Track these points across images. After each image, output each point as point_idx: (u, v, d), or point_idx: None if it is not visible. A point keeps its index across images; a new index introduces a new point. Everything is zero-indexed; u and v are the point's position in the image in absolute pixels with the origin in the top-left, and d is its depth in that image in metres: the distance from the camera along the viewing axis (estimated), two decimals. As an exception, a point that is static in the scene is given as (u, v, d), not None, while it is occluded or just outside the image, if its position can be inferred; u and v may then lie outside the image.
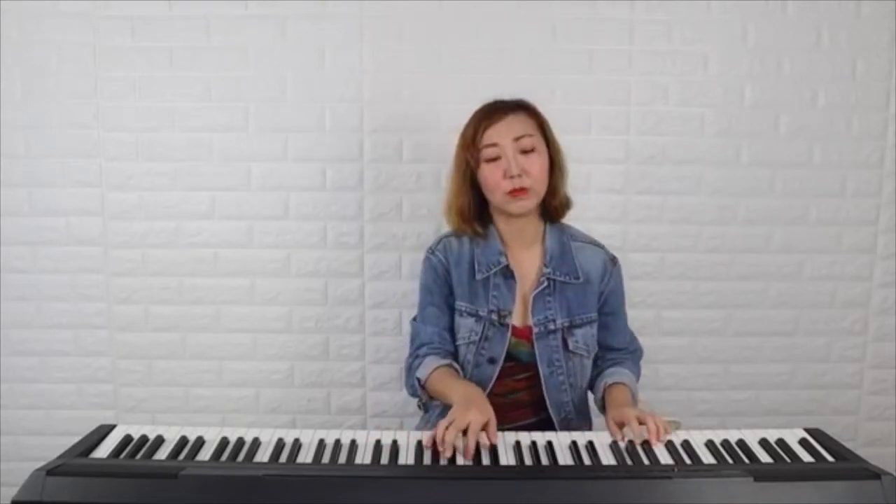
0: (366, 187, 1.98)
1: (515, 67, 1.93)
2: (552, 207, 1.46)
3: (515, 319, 1.44)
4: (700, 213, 2.01)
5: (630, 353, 1.55)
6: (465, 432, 1.15)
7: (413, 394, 1.47)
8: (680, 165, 1.99)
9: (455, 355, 1.46)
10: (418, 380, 1.42)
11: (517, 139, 1.37)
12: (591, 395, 1.54)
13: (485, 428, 1.17)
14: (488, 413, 1.20)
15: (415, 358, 1.46)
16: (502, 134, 1.38)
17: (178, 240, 2.00)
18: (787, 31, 1.94)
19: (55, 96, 1.93)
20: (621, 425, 1.25)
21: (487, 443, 1.16)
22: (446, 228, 1.53)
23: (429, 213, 1.98)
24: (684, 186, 2.00)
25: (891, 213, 2.02)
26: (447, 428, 1.14)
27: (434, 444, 1.15)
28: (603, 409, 1.43)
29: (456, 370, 1.41)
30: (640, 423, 1.22)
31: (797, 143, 1.99)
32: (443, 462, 1.13)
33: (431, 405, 1.49)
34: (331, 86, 1.94)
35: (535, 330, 1.43)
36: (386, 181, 1.98)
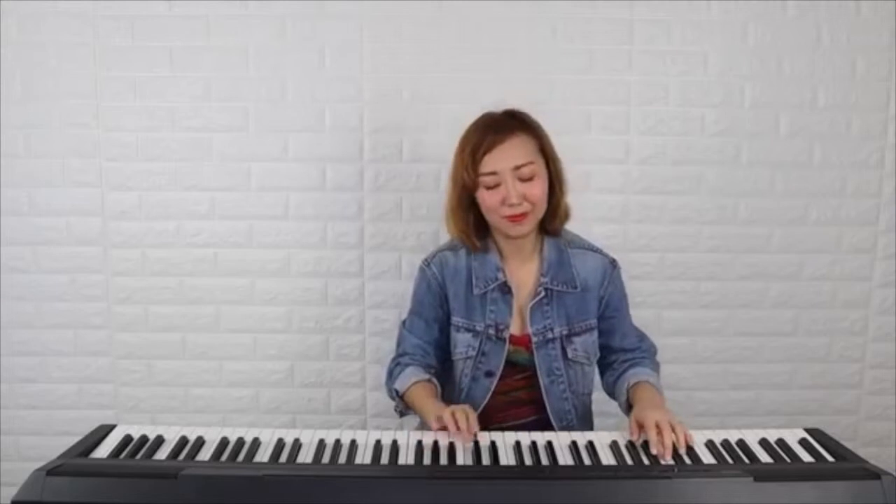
0: (366, 187, 1.98)
1: (515, 67, 1.93)
2: (552, 226, 1.44)
3: (513, 328, 1.43)
4: (700, 213, 2.01)
5: (644, 350, 1.51)
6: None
7: (391, 397, 1.48)
8: (680, 165, 1.99)
9: (435, 369, 1.46)
10: (395, 391, 1.43)
11: (517, 168, 1.34)
12: (594, 401, 1.54)
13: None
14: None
15: (396, 364, 1.48)
16: (501, 161, 1.33)
17: (178, 240, 2.00)
18: (787, 31, 1.94)
19: (55, 96, 1.93)
20: (642, 427, 1.20)
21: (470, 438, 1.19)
22: (446, 230, 1.52)
23: (429, 213, 1.98)
24: (684, 186, 2.00)
25: (891, 213, 2.02)
26: (452, 414, 1.19)
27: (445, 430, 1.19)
28: (628, 410, 1.38)
29: (435, 385, 1.41)
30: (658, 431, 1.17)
31: (797, 143, 1.99)
32: (443, 462, 1.13)
33: (408, 412, 1.47)
34: (331, 86, 1.94)
35: (534, 339, 1.42)
36: (386, 181, 1.98)
